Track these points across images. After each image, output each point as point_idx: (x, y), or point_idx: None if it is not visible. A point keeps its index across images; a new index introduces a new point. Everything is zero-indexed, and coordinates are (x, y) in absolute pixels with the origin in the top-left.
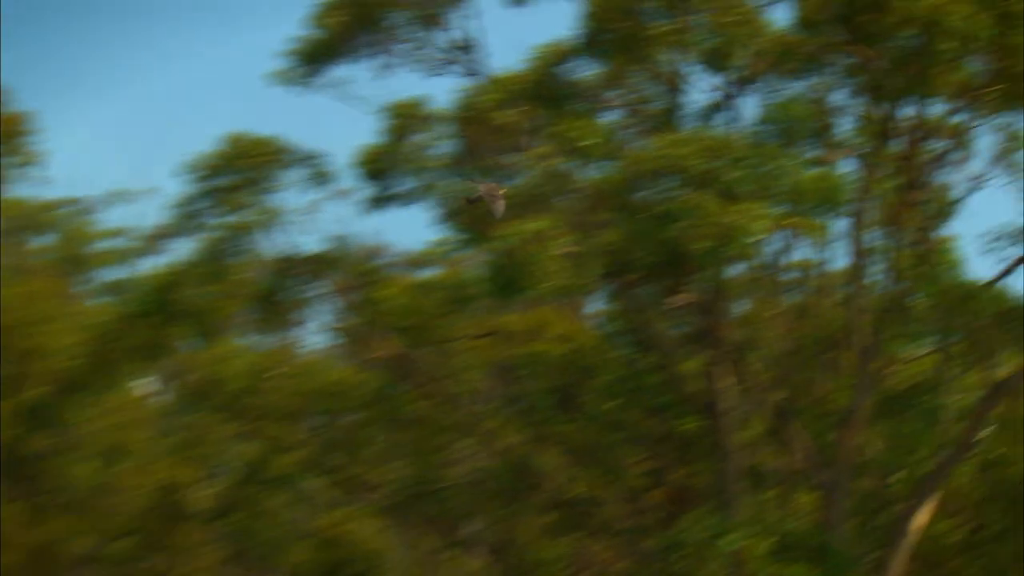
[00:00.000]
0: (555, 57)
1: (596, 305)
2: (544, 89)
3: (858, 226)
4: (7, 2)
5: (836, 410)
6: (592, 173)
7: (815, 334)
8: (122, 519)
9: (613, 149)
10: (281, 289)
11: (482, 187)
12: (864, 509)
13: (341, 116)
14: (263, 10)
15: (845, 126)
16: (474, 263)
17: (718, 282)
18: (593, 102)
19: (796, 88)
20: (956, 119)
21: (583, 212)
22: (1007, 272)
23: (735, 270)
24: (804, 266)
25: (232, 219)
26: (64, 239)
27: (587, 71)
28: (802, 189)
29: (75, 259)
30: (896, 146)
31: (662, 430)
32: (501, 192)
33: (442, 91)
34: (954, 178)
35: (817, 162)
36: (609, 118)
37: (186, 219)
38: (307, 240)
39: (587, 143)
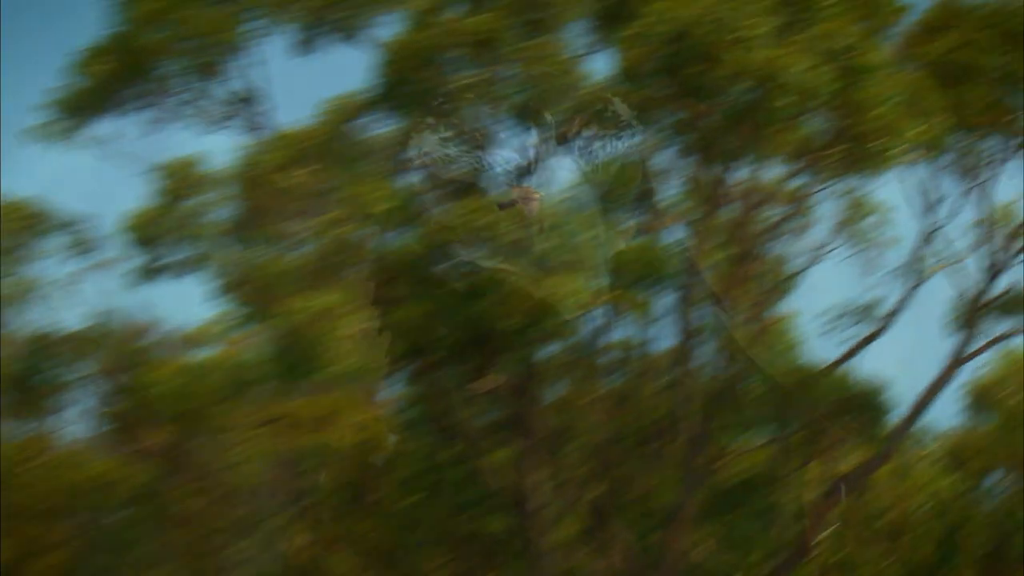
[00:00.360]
0: (347, 111)
1: (393, 389)
2: (335, 147)
3: (686, 302)
4: None
5: (661, 507)
6: (389, 242)
7: (638, 422)
8: None
9: (412, 215)
10: (38, 371)
11: (515, 191)
12: None
13: (107, 176)
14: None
15: (672, 190)
16: (256, 342)
17: (530, 364)
18: (390, 162)
19: (618, 147)
20: (795, 183)
21: (379, 285)
22: (850, 354)
23: (549, 350)
24: (626, 346)
25: None
26: None
27: (383, 127)
28: (624, 260)
29: None
30: (728, 213)
31: (467, 529)
32: (536, 196)
33: (221, 149)
34: (792, 249)
35: (641, 230)
36: (408, 180)
37: None
38: (68, 316)
39: (383, 208)
